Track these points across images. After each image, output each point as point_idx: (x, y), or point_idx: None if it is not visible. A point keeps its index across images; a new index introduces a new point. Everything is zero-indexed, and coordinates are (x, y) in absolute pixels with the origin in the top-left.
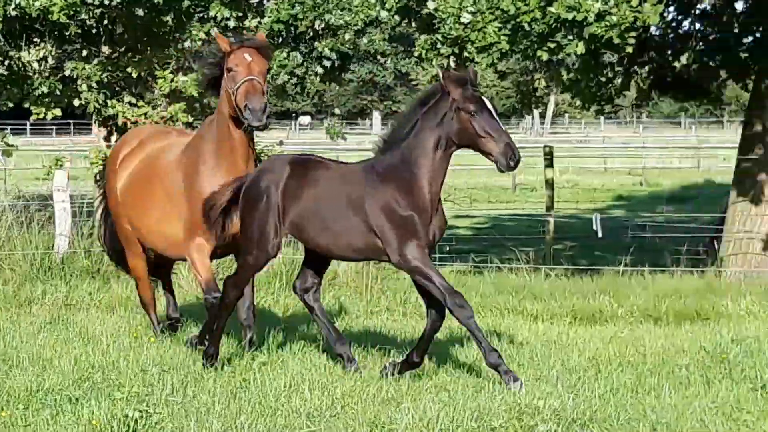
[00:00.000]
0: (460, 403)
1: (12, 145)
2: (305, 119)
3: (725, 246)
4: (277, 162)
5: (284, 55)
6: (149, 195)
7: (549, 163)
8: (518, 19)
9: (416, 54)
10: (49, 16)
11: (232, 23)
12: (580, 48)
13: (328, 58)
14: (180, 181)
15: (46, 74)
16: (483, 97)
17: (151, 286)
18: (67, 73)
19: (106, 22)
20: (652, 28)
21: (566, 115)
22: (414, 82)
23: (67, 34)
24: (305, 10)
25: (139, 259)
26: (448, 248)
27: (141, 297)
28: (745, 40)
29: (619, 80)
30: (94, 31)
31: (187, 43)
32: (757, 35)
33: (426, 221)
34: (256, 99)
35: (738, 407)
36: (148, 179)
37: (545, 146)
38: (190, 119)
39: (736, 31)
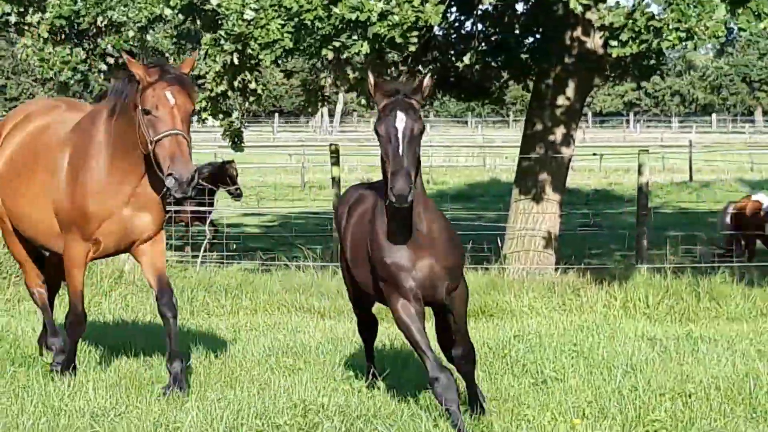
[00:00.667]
0: (245, 402)
1: None
2: None
3: (508, 243)
4: (349, 192)
5: (67, 51)
6: (27, 174)
7: (335, 161)
8: (301, 17)
9: (202, 51)
10: None
11: (13, 19)
12: (365, 48)
13: (111, 55)
14: (64, 164)
15: None
16: (388, 117)
17: (39, 275)
18: None
19: None
20: (435, 28)
21: (355, 113)
22: (201, 81)
23: None
24: (88, 5)
25: (14, 242)
26: (234, 246)
27: (28, 287)
28: (525, 42)
29: (404, 79)
30: None
31: None
32: (537, 36)
33: (407, 266)
34: (184, 167)
35: (519, 402)
36: (27, 157)
37: (331, 145)
38: None
39: (517, 32)
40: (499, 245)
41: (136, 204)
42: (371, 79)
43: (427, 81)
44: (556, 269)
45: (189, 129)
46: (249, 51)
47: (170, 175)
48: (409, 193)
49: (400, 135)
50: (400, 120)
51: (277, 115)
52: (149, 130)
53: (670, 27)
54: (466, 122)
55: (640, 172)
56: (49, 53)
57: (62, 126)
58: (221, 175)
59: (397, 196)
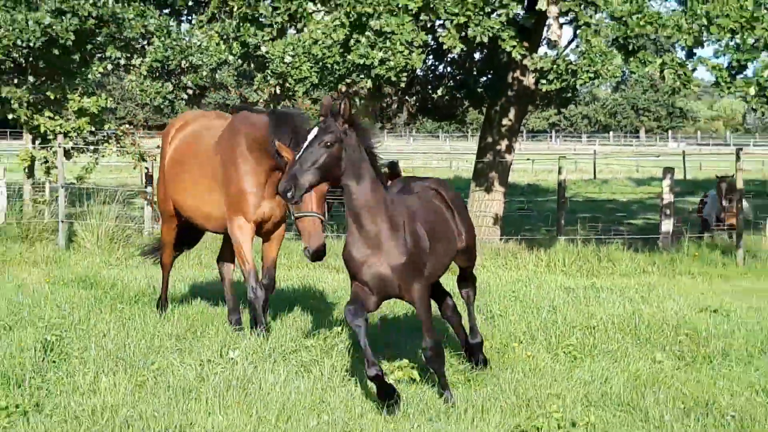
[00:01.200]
0: (284, 330)
1: None
2: None
3: None
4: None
5: (160, 84)
6: (187, 171)
7: None
8: (324, 61)
9: (255, 87)
10: None
11: (122, 61)
12: (369, 84)
13: (191, 88)
14: (216, 164)
15: None
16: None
17: (172, 254)
18: (3, 95)
19: (31, 58)
20: (418, 71)
21: None
22: (255, 106)
23: (2, 67)
24: (175, 53)
25: (168, 227)
26: None
27: (161, 259)
28: (481, 80)
29: (395, 106)
30: (23, 65)
31: (90, 75)
32: (489, 76)
33: (357, 260)
34: (317, 242)
35: None
36: (187, 157)
37: None
38: (93, 129)
39: (475, 73)
40: None
41: (270, 196)
42: (324, 100)
43: (344, 105)
44: (501, 239)
45: (323, 206)
46: (287, 85)
47: (306, 248)
48: (288, 192)
49: (305, 144)
50: (312, 133)
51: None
52: (293, 207)
53: (583, 70)
54: (438, 136)
55: (559, 172)
56: (147, 86)
57: (212, 132)
58: (394, 173)
59: (278, 191)
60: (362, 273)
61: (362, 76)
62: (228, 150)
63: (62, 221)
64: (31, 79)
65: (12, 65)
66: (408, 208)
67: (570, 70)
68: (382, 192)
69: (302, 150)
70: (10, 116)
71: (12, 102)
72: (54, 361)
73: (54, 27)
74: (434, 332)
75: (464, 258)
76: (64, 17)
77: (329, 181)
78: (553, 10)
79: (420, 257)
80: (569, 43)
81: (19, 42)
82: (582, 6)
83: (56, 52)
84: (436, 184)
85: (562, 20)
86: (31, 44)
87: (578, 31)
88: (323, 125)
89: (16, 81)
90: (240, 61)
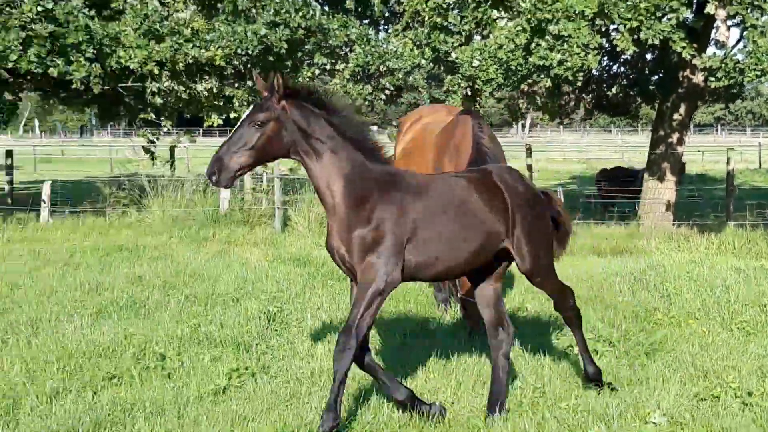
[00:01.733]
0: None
1: (193, 138)
2: (373, 128)
3: (641, 208)
4: None
5: (361, 86)
6: (412, 161)
7: (528, 154)
8: (509, 64)
9: (444, 89)
10: (213, 62)
11: (328, 66)
12: (548, 83)
13: (388, 89)
14: (430, 159)
15: (212, 98)
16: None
17: None
18: (226, 93)
19: (249, 65)
20: (593, 71)
21: (538, 125)
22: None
23: (225, 72)
24: (374, 58)
25: None
26: None
27: None
28: (652, 78)
29: (572, 103)
30: (242, 70)
31: (300, 79)
32: (660, 75)
33: (330, 235)
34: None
35: (653, 309)
36: (413, 150)
37: (526, 144)
38: None
39: (647, 72)
40: (636, 209)
41: None
42: (257, 82)
43: (278, 80)
44: (673, 224)
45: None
46: (476, 86)
47: (459, 296)
48: (213, 175)
49: (238, 125)
50: (246, 113)
51: (489, 125)
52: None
53: (750, 68)
54: (610, 131)
55: (728, 163)
56: (350, 88)
57: (439, 126)
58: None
59: (206, 175)
60: (330, 248)
61: (542, 76)
62: (439, 143)
63: (278, 208)
64: (249, 83)
65: (233, 71)
66: (386, 184)
67: (738, 69)
68: (347, 165)
69: (235, 130)
70: (232, 114)
71: (234, 102)
72: (276, 330)
73: (269, 37)
74: (360, 321)
75: (537, 282)
76: (277, 29)
77: (270, 160)
78: (721, 13)
79: (378, 235)
80: (736, 43)
81: (238, 50)
82: (749, 9)
83: (271, 58)
84: (498, 169)
85: (729, 23)
86: (249, 52)
87: (745, 33)
88: (257, 104)
89: (236, 85)
90: (431, 64)
